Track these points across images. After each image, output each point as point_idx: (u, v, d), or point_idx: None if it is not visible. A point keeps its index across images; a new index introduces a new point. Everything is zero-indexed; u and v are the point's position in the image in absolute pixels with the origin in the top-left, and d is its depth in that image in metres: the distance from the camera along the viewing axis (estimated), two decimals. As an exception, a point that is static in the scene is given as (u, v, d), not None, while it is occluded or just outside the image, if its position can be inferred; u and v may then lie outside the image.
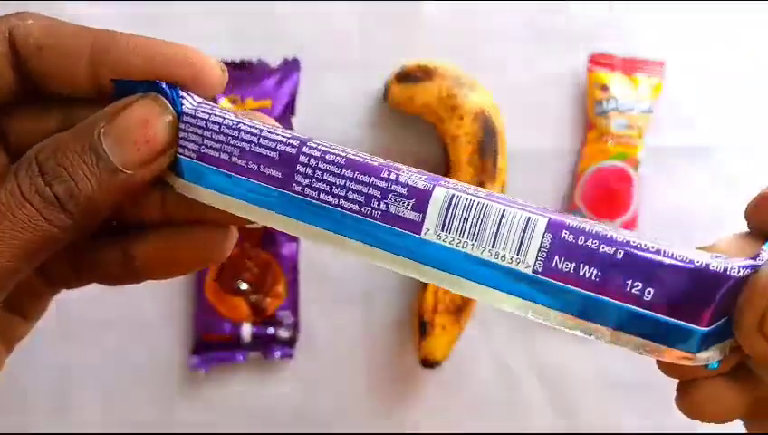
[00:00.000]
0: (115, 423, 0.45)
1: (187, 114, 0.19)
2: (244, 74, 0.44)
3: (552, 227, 0.16)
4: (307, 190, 0.18)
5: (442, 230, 0.17)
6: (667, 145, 0.47)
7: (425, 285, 0.44)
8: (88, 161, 0.18)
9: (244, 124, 0.19)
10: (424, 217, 0.17)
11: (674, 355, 0.16)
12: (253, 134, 0.19)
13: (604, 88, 0.46)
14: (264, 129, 0.19)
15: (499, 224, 0.17)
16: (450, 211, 0.17)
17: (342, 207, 0.18)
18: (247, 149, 0.19)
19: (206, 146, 0.19)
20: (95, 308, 0.45)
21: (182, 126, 0.20)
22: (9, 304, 0.22)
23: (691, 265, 0.15)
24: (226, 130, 0.19)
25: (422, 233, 0.17)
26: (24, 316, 0.23)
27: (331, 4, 0.46)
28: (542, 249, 0.16)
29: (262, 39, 0.45)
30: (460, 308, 0.43)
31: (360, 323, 0.47)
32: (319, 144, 0.19)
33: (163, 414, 0.46)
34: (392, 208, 0.18)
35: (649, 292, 0.16)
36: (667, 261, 0.15)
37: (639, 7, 0.47)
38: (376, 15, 0.46)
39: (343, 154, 0.18)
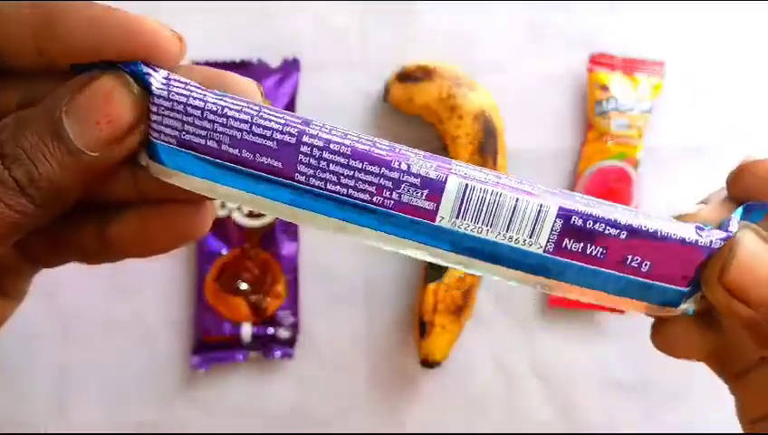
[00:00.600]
0: (115, 423, 0.45)
1: (159, 96, 0.18)
2: (244, 74, 0.44)
3: (562, 212, 0.18)
4: (312, 180, 0.18)
5: (456, 218, 0.18)
6: (666, 145, 0.47)
7: (425, 285, 0.44)
8: (48, 143, 0.17)
9: (231, 108, 0.18)
10: (438, 206, 0.18)
11: (661, 311, 0.19)
12: (243, 121, 0.18)
13: (604, 88, 0.46)
14: (255, 113, 0.18)
15: (513, 212, 0.18)
16: (464, 201, 0.18)
17: (352, 197, 0.18)
18: (238, 137, 0.18)
19: (188, 132, 0.18)
20: (95, 308, 0.45)
21: (154, 108, 0.18)
22: None
23: (682, 243, 0.18)
24: (211, 116, 0.18)
25: (437, 221, 0.18)
26: (5, 295, 0.22)
27: (330, 4, 0.46)
28: (554, 232, 0.18)
29: (261, 39, 0.45)
30: (460, 308, 0.43)
31: (360, 323, 0.47)
32: (319, 130, 0.18)
33: (163, 414, 0.46)
34: (405, 198, 0.18)
35: (646, 264, 0.18)
36: (662, 242, 0.18)
37: (639, 7, 0.47)
38: (376, 15, 0.46)
39: (348, 143, 0.18)
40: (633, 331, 0.47)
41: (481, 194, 0.18)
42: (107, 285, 0.45)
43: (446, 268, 0.43)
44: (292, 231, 0.46)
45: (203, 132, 0.18)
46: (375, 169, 0.18)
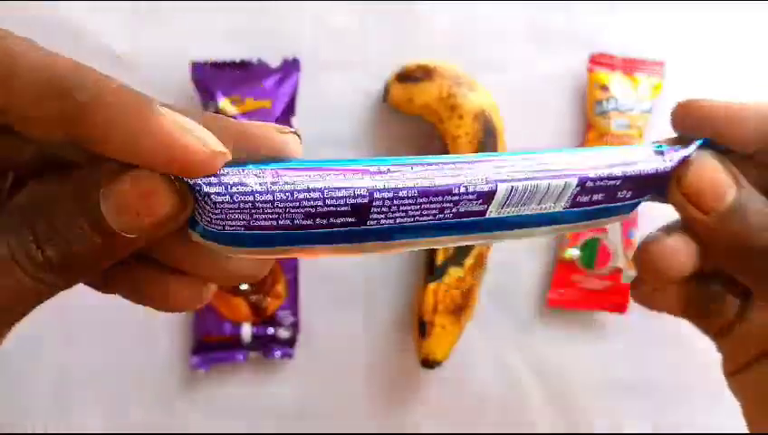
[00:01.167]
0: (115, 423, 0.45)
1: (221, 202, 0.17)
2: (244, 74, 0.44)
3: (580, 181, 0.22)
4: (383, 221, 0.19)
5: (502, 208, 0.21)
6: (667, 145, 0.47)
7: (425, 285, 0.44)
8: (84, 225, 0.17)
9: (300, 191, 0.18)
10: (488, 208, 0.21)
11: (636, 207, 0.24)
12: (315, 199, 0.18)
13: (604, 88, 0.46)
14: (325, 187, 0.18)
15: (545, 193, 0.21)
16: (509, 198, 0.21)
17: (417, 221, 0.20)
18: (313, 211, 0.18)
19: (258, 220, 0.18)
20: (95, 309, 0.45)
21: (216, 210, 0.18)
22: None
23: (656, 172, 0.23)
24: (282, 205, 0.18)
25: (486, 214, 0.21)
26: None
27: (330, 4, 0.46)
28: (572, 195, 0.22)
29: (261, 39, 0.45)
30: (460, 308, 0.43)
31: (360, 323, 0.47)
32: (387, 182, 0.18)
33: (163, 414, 0.46)
34: (462, 209, 0.20)
35: (630, 193, 0.23)
36: (643, 178, 0.23)
37: (639, 7, 0.47)
38: (376, 15, 0.46)
39: (414, 185, 0.19)
40: (633, 331, 0.47)
41: (523, 189, 0.21)
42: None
43: (446, 269, 0.43)
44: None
45: (274, 216, 0.18)
46: (438, 199, 0.19)
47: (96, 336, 0.45)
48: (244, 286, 0.45)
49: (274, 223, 0.18)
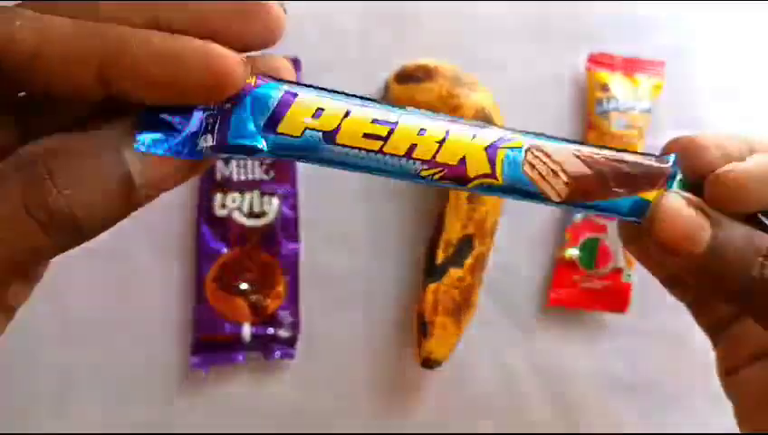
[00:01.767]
0: (115, 423, 0.45)
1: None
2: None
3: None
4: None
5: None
6: (667, 145, 0.47)
7: (425, 285, 0.44)
8: (113, 178, 0.17)
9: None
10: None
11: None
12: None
13: (604, 88, 0.46)
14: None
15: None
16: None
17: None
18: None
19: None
20: (95, 308, 0.45)
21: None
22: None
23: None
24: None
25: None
26: (26, 278, 0.22)
27: (330, 4, 0.46)
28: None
29: (262, 39, 0.45)
30: (461, 308, 0.43)
31: (360, 323, 0.47)
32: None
33: (163, 414, 0.46)
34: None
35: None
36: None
37: (640, 7, 0.47)
38: (375, 15, 0.46)
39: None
40: (633, 331, 0.47)
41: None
42: (107, 285, 0.45)
43: (446, 269, 0.43)
44: (292, 231, 0.46)
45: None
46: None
47: (96, 336, 0.45)
48: (243, 286, 0.45)
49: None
